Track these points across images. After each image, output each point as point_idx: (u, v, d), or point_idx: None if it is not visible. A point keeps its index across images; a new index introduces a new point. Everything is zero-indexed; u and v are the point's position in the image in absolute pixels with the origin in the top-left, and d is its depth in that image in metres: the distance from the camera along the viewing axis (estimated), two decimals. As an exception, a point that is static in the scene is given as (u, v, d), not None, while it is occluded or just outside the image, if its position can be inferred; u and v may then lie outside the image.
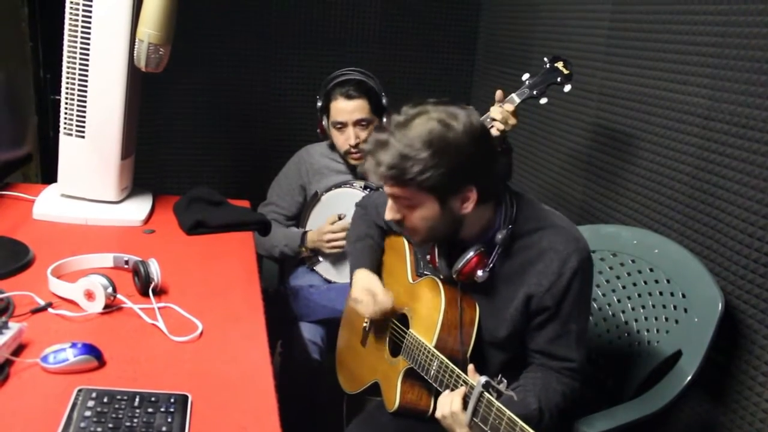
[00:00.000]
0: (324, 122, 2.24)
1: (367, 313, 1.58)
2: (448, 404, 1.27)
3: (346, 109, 2.16)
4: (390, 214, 1.38)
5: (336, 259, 2.23)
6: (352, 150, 2.18)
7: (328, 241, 2.16)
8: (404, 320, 1.56)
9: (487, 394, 1.20)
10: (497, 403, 1.17)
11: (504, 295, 1.41)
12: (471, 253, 1.38)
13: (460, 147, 1.28)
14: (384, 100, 2.23)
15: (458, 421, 1.26)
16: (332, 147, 2.31)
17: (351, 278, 1.67)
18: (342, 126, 2.18)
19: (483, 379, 1.21)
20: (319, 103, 2.24)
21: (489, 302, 1.44)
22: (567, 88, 1.97)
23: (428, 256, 1.46)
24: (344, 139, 2.18)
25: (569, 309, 1.37)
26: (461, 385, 1.27)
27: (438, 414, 1.30)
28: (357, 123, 2.17)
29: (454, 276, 1.41)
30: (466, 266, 1.38)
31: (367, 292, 1.59)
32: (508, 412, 1.15)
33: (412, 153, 1.26)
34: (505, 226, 1.38)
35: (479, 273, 1.37)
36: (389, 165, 1.28)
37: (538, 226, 1.39)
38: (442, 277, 1.44)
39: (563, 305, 1.37)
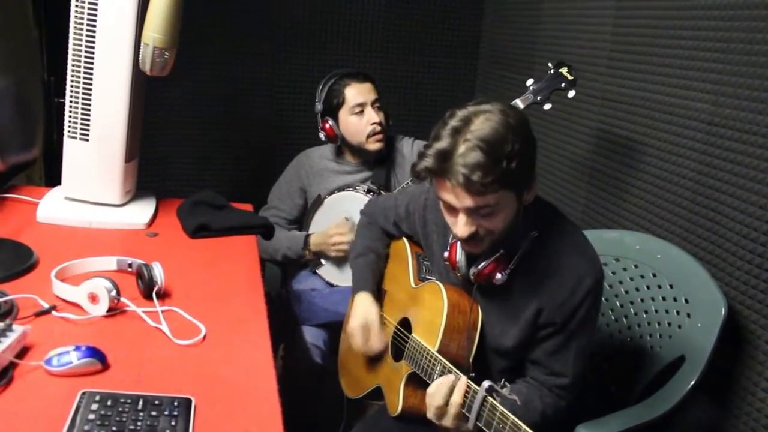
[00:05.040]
0: (329, 123, 2.23)
1: (357, 349, 1.63)
2: (443, 395, 1.27)
3: (364, 89, 2.20)
4: (466, 229, 1.28)
5: (338, 262, 2.23)
6: (378, 128, 2.20)
7: (334, 243, 2.16)
8: (407, 324, 1.56)
9: (490, 399, 1.20)
10: (501, 408, 1.17)
11: (516, 305, 1.40)
12: (492, 255, 1.36)
13: (526, 131, 1.26)
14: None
15: (452, 413, 1.28)
16: (338, 150, 2.31)
17: (353, 296, 1.68)
18: (361, 109, 2.19)
19: (486, 383, 1.21)
20: (320, 106, 2.23)
21: (500, 310, 1.43)
22: (571, 93, 1.97)
23: (446, 254, 1.43)
24: (366, 121, 2.20)
25: (574, 327, 1.37)
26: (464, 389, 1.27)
27: (435, 401, 1.30)
28: (373, 103, 2.21)
29: (471, 277, 1.39)
30: (487, 267, 1.35)
31: (362, 329, 1.60)
32: (512, 417, 1.15)
33: (495, 147, 1.20)
34: (530, 232, 1.37)
35: (498, 276, 1.35)
36: (477, 164, 1.19)
37: (559, 239, 1.39)
38: (460, 275, 1.42)
39: (570, 323, 1.36)
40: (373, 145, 2.22)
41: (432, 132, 1.28)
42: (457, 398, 1.27)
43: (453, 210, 1.30)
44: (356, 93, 2.19)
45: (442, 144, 1.23)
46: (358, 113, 2.19)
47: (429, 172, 1.26)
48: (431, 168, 1.24)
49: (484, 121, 1.22)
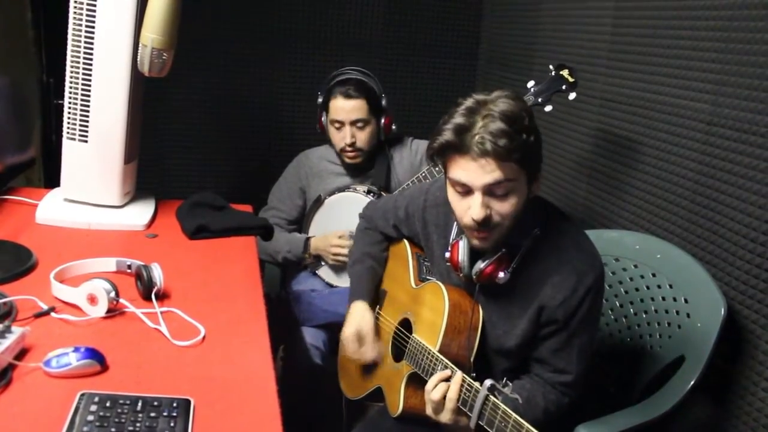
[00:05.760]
0: (323, 118, 2.26)
1: (351, 356, 1.63)
2: (440, 390, 1.29)
3: (345, 108, 2.18)
4: (482, 211, 1.26)
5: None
6: (347, 148, 2.21)
7: (334, 254, 2.18)
8: (407, 325, 1.56)
9: (492, 398, 1.20)
10: (503, 406, 1.18)
11: (518, 304, 1.40)
12: (494, 255, 1.36)
13: (534, 118, 1.28)
14: (383, 102, 2.25)
15: (449, 408, 1.29)
16: (331, 145, 2.32)
17: (349, 303, 1.68)
18: (340, 125, 2.20)
19: (488, 382, 1.21)
20: (320, 99, 2.26)
21: (502, 309, 1.43)
22: (572, 95, 1.97)
23: (447, 254, 1.42)
24: (340, 137, 2.22)
25: (577, 325, 1.37)
26: (466, 388, 1.28)
27: (432, 395, 1.31)
28: (354, 123, 2.19)
29: (474, 277, 1.38)
30: (489, 266, 1.35)
31: (355, 338, 1.60)
32: (514, 415, 1.15)
33: (515, 120, 1.22)
34: (532, 230, 1.37)
35: (501, 275, 1.35)
36: (501, 131, 1.20)
37: (559, 237, 1.39)
38: (462, 275, 1.41)
39: (572, 321, 1.36)
40: (347, 159, 2.26)
41: (442, 120, 1.28)
42: (452, 394, 1.28)
43: (467, 193, 1.28)
44: (338, 109, 2.19)
45: (460, 120, 1.24)
46: (337, 127, 2.22)
47: (447, 146, 1.25)
48: (451, 141, 1.24)
49: (499, 102, 1.24)
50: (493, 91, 1.28)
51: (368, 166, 2.30)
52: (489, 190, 1.26)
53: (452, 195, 1.33)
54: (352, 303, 1.68)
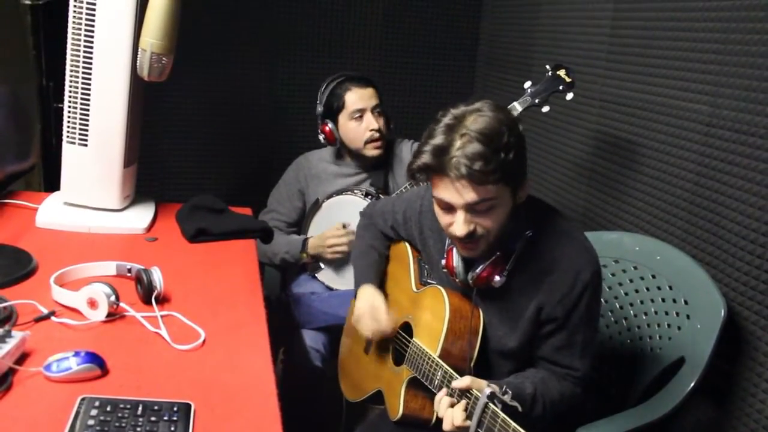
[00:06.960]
0: (329, 126, 2.23)
1: (367, 333, 1.60)
2: (450, 421, 1.26)
3: (365, 95, 2.19)
4: (465, 227, 1.28)
5: (337, 265, 2.23)
6: (375, 136, 2.19)
7: (331, 246, 2.16)
8: (408, 329, 1.56)
9: (492, 405, 1.19)
10: (502, 414, 1.17)
11: (517, 305, 1.40)
12: (489, 258, 1.36)
13: (517, 128, 1.28)
14: None
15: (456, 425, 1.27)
16: (337, 153, 2.30)
17: (356, 292, 1.68)
18: (360, 114, 2.18)
19: (488, 390, 1.20)
20: (321, 109, 2.23)
21: (501, 311, 1.43)
22: (569, 96, 1.97)
23: (443, 261, 1.43)
24: (365, 127, 2.19)
25: (577, 321, 1.37)
26: (465, 395, 1.27)
27: (445, 428, 1.29)
28: (373, 109, 2.19)
29: (470, 281, 1.39)
30: (485, 270, 1.36)
31: (370, 311, 1.60)
32: (513, 424, 1.15)
33: (493, 139, 1.22)
34: (525, 231, 1.37)
35: (497, 278, 1.36)
36: (477, 154, 1.20)
37: (553, 235, 1.39)
38: (458, 281, 1.42)
39: (572, 317, 1.37)
40: (371, 152, 2.22)
41: (425, 132, 1.29)
42: (458, 422, 1.25)
43: (450, 210, 1.30)
44: (356, 98, 2.18)
45: (438, 140, 1.25)
46: (357, 119, 2.18)
47: (426, 168, 1.27)
48: (429, 164, 1.25)
49: (477, 117, 1.25)
50: (475, 103, 1.28)
51: (368, 168, 2.29)
52: (471, 208, 1.27)
53: (437, 210, 1.35)
54: (359, 288, 1.67)
